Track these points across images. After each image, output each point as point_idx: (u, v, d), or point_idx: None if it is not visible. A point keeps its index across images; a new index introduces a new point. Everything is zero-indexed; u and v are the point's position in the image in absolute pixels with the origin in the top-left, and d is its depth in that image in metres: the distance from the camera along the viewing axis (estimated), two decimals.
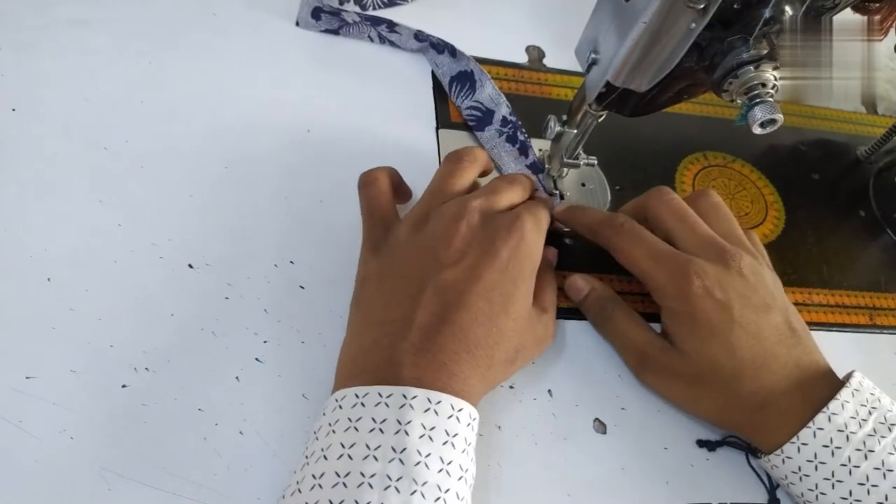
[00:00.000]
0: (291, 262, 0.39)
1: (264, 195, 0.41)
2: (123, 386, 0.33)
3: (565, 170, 0.45)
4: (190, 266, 0.37)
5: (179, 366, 0.34)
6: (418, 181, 0.44)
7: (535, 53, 0.54)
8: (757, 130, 0.33)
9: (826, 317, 0.46)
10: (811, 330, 0.45)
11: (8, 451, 0.31)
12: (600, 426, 0.38)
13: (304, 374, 0.36)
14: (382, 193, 0.38)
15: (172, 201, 0.39)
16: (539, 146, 0.47)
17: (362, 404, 0.29)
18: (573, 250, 0.44)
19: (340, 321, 0.37)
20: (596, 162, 0.44)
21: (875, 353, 0.46)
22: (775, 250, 0.48)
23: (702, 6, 0.30)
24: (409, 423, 0.29)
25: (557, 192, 0.45)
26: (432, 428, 0.29)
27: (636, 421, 0.39)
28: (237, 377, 0.35)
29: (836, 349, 0.44)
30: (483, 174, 0.42)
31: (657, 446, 0.38)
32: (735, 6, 0.31)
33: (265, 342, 0.36)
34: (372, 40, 0.50)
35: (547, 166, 0.45)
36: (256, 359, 0.36)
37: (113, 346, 0.34)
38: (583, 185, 0.47)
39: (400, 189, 0.41)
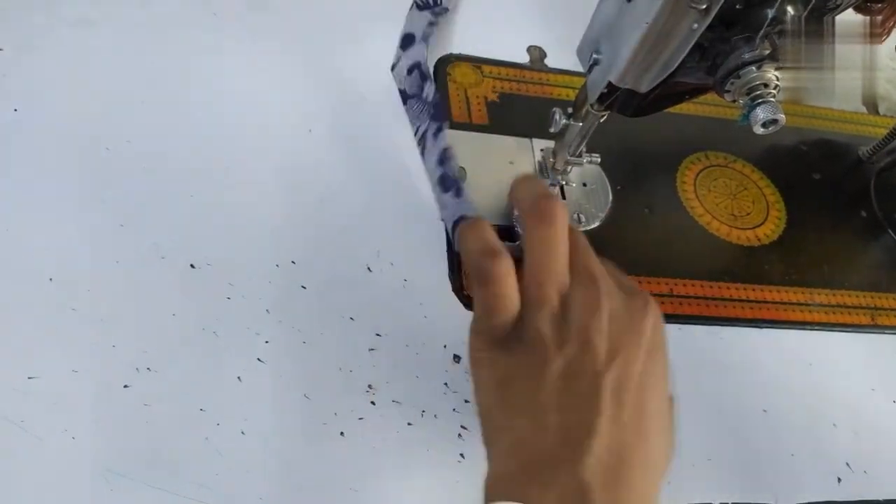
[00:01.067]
0: (293, 262, 0.39)
1: (265, 195, 0.41)
2: (125, 386, 0.33)
3: (569, 167, 0.45)
4: (191, 266, 0.37)
5: (181, 366, 0.34)
6: (419, 181, 0.44)
7: (537, 53, 0.54)
8: (759, 131, 0.33)
9: (827, 317, 0.46)
10: (812, 330, 0.45)
11: (10, 451, 0.31)
12: None
13: (306, 375, 0.36)
14: (511, 288, 0.31)
15: (174, 201, 0.39)
16: (541, 145, 0.47)
17: None
18: None
19: (342, 321, 0.37)
20: (599, 160, 0.43)
21: (876, 354, 0.45)
22: (777, 250, 0.48)
23: (704, 6, 0.30)
24: None
25: (564, 182, 0.44)
26: None
27: None
28: (239, 377, 0.35)
29: (838, 349, 0.45)
30: None
31: None
32: (737, 6, 0.31)
33: (267, 342, 0.36)
34: (415, 133, 0.45)
35: (551, 160, 0.45)
36: (258, 359, 0.36)
37: (115, 346, 0.34)
38: (584, 184, 0.47)
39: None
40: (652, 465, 0.29)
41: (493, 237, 0.33)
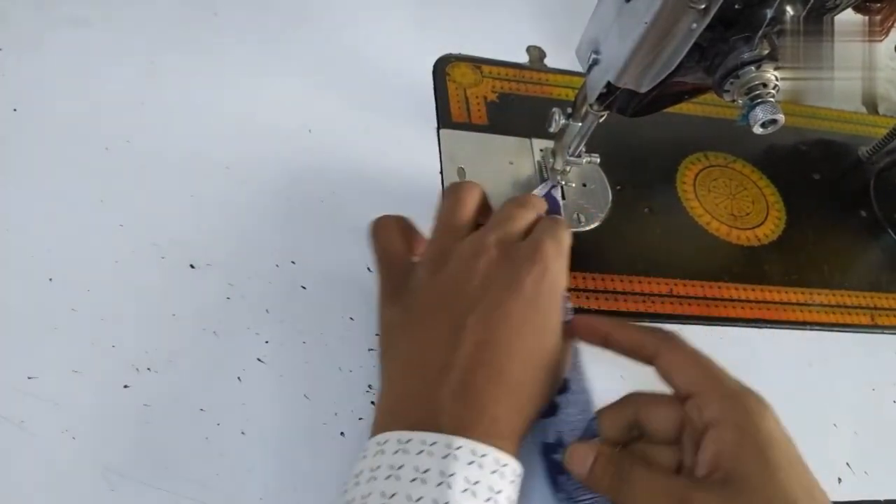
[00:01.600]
0: (293, 262, 0.39)
1: (265, 195, 0.41)
2: (125, 386, 0.33)
3: (568, 167, 0.45)
4: (191, 266, 0.37)
5: (181, 366, 0.34)
6: (419, 181, 0.44)
7: (536, 53, 0.54)
8: (758, 130, 0.33)
9: (827, 317, 0.46)
10: (812, 330, 0.45)
11: (10, 451, 0.31)
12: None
13: (306, 375, 0.36)
14: (395, 239, 0.37)
15: (174, 201, 0.39)
16: (541, 145, 0.47)
17: (405, 450, 0.28)
18: (574, 249, 0.44)
19: (342, 321, 0.37)
20: (599, 160, 0.44)
21: (876, 354, 0.45)
22: (776, 250, 0.48)
23: (703, 6, 0.30)
24: (452, 475, 0.28)
25: (564, 182, 0.44)
26: (476, 482, 0.28)
27: None
28: (239, 377, 0.35)
29: (838, 349, 0.45)
30: (486, 212, 0.40)
31: None
32: (736, 6, 0.31)
33: (267, 342, 0.36)
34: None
35: (550, 160, 0.45)
36: (258, 359, 0.36)
37: (115, 346, 0.34)
38: (584, 185, 0.47)
39: (412, 236, 0.39)
40: (510, 398, 0.31)
41: (401, 217, 0.38)
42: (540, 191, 0.44)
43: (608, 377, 0.40)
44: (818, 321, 0.45)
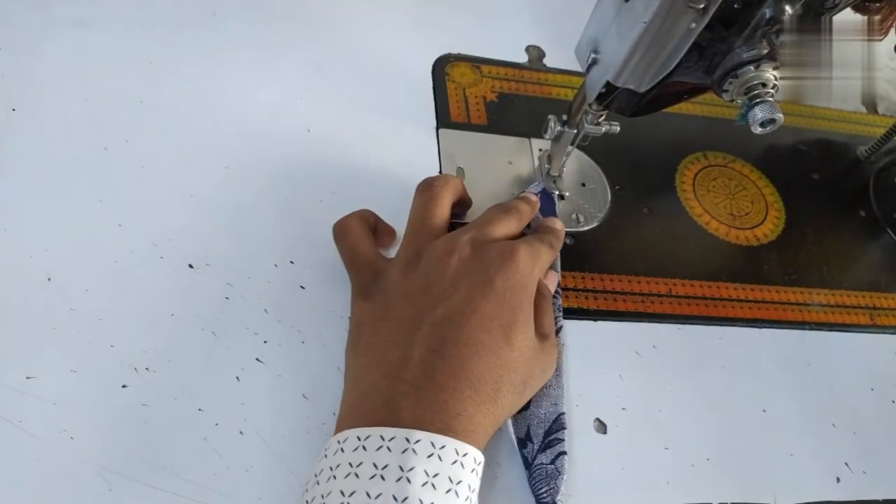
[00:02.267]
0: (291, 262, 0.39)
1: (264, 195, 0.41)
2: (124, 386, 0.33)
3: (564, 168, 0.45)
4: (190, 266, 0.37)
5: (180, 366, 0.34)
6: (418, 181, 0.44)
7: (535, 53, 0.54)
8: (757, 130, 0.33)
9: (826, 317, 0.46)
10: (812, 330, 0.45)
11: (8, 451, 0.31)
12: (600, 426, 0.38)
13: (305, 375, 0.36)
14: (360, 239, 0.37)
15: (173, 201, 0.39)
16: (540, 145, 0.47)
17: (364, 448, 0.28)
18: (573, 249, 0.44)
19: (341, 321, 0.37)
20: (619, 129, 0.41)
21: (875, 354, 0.45)
22: (775, 250, 0.48)
23: (702, 6, 0.30)
24: (411, 469, 0.28)
25: (557, 192, 0.45)
26: (435, 475, 0.28)
27: (636, 421, 0.39)
28: (237, 377, 0.35)
29: (837, 349, 0.45)
30: (462, 203, 0.41)
31: (657, 446, 0.38)
32: (735, 6, 0.31)
33: (265, 342, 0.36)
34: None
35: (547, 166, 0.45)
36: (257, 359, 0.36)
37: (113, 345, 0.34)
38: (583, 185, 0.47)
39: (380, 230, 0.40)
40: (473, 394, 0.31)
41: (364, 213, 0.39)
42: (535, 188, 0.43)
43: (608, 377, 0.40)
44: (817, 321, 0.45)
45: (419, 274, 0.34)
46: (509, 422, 0.36)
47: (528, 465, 0.35)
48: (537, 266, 0.36)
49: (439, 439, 0.29)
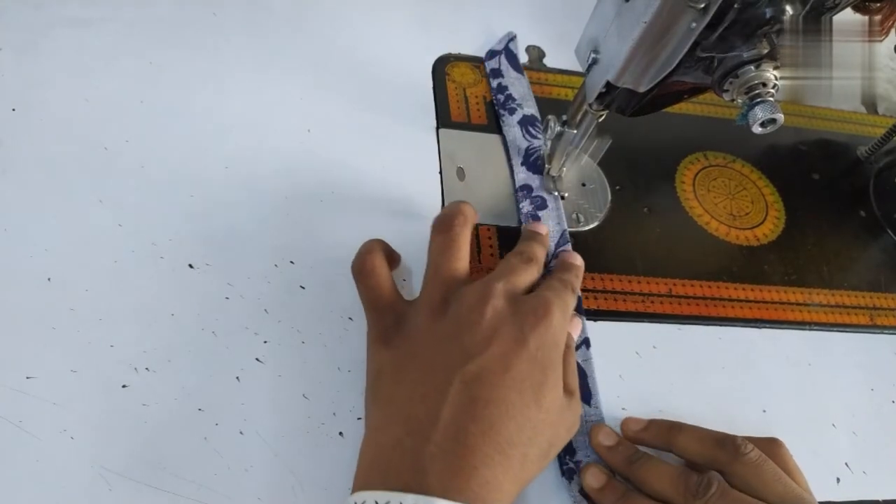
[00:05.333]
0: (291, 262, 0.39)
1: (264, 195, 0.41)
2: (124, 386, 0.33)
3: (564, 169, 0.45)
4: (190, 266, 0.37)
5: (180, 366, 0.34)
6: (418, 181, 0.44)
7: (536, 53, 0.54)
8: (757, 130, 0.33)
9: (826, 317, 0.46)
10: (811, 330, 0.45)
11: (8, 451, 0.31)
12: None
13: (305, 375, 0.36)
14: (384, 280, 0.35)
15: (173, 201, 0.39)
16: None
17: None
18: (573, 249, 0.44)
19: (341, 321, 0.37)
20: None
21: (875, 354, 0.45)
22: (775, 250, 0.48)
23: (702, 6, 0.30)
24: None
25: (557, 192, 0.45)
26: None
27: None
28: (237, 377, 0.35)
29: (837, 349, 0.45)
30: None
31: None
32: (735, 5, 0.31)
33: (265, 342, 0.36)
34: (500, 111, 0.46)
35: (547, 166, 0.45)
36: (257, 359, 0.36)
37: (113, 346, 0.34)
38: (583, 185, 0.47)
39: (389, 258, 0.38)
40: (503, 459, 0.29)
41: (383, 248, 0.36)
42: (499, 44, 0.43)
43: (608, 377, 0.40)
44: (817, 321, 0.45)
45: (448, 322, 0.32)
46: None
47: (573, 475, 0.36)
48: (566, 318, 0.34)
49: None
